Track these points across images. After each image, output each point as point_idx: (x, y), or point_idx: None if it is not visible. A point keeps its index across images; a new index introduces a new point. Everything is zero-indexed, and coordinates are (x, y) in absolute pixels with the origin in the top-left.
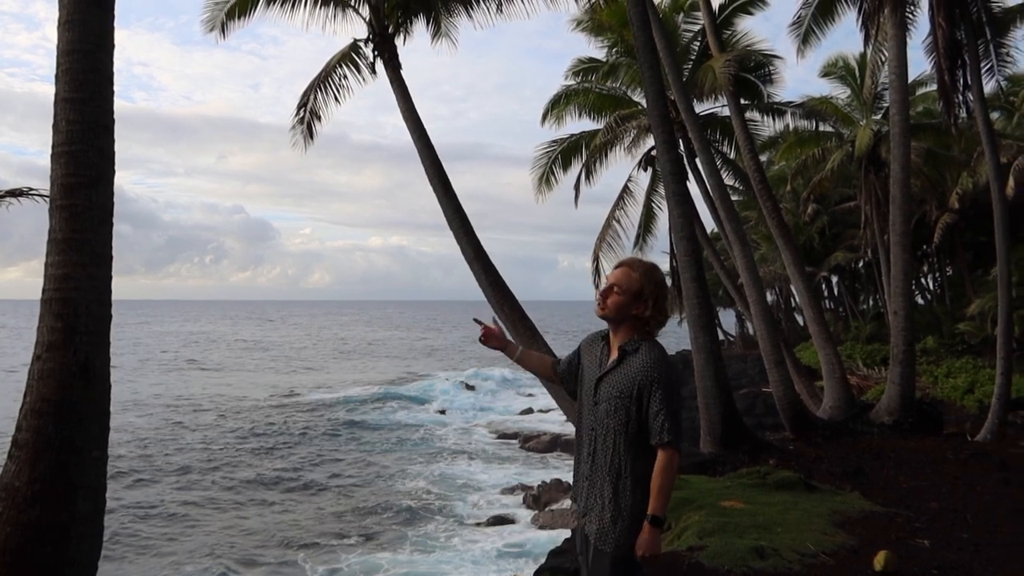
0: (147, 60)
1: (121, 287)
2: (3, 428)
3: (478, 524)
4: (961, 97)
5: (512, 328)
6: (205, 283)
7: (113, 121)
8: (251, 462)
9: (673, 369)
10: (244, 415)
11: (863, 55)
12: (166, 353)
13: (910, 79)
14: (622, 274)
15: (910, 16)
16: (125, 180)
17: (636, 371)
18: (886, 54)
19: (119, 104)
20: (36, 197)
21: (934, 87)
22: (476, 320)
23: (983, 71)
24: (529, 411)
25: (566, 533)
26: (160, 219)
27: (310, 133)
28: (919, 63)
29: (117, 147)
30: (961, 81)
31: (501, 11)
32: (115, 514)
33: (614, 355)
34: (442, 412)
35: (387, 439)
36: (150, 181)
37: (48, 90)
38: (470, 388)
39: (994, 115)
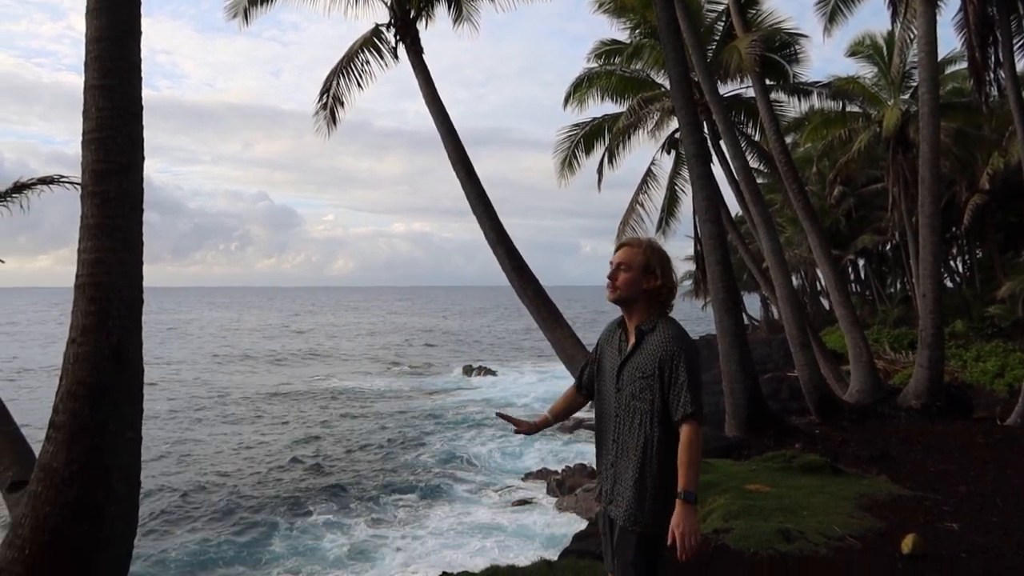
0: (170, 48)
1: (148, 274)
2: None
3: (502, 508)
4: (992, 75)
5: (535, 311)
6: (231, 270)
7: (142, 108)
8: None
9: (692, 343)
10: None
11: (891, 33)
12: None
13: (939, 57)
14: (625, 253)
15: None
16: (151, 168)
17: (656, 348)
18: (914, 32)
19: (144, 92)
20: (67, 184)
21: (964, 65)
22: (500, 416)
23: (1015, 48)
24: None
25: (590, 518)
26: (186, 207)
27: (333, 119)
28: (949, 40)
29: (144, 135)
30: (992, 58)
31: None
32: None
33: (632, 339)
34: (464, 394)
35: (420, 424)
36: (175, 169)
37: (74, 80)
38: (491, 373)
39: None
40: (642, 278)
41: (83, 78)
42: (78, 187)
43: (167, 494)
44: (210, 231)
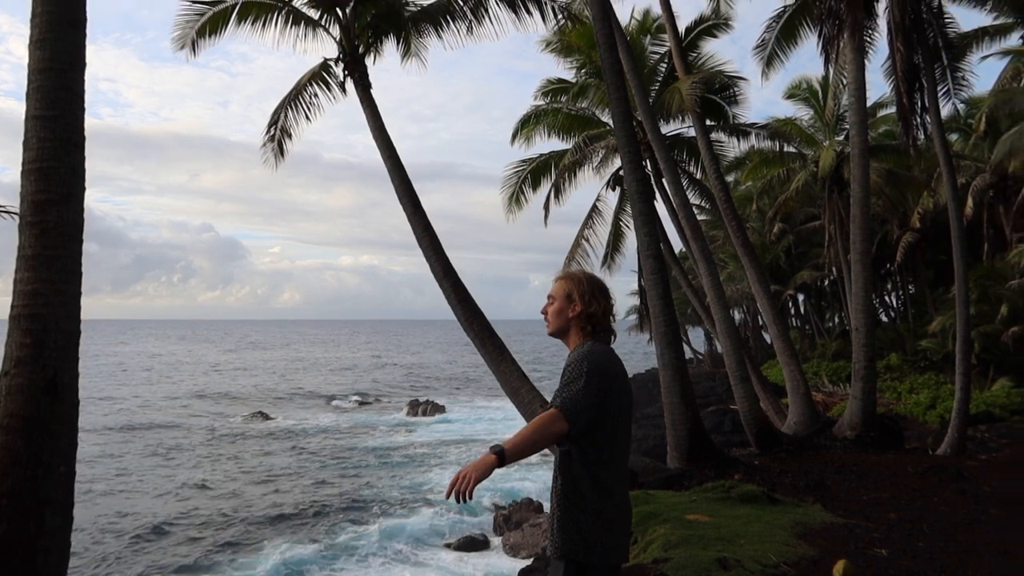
0: (113, 76)
1: (85, 306)
2: None
3: (446, 546)
4: (919, 119)
5: (480, 345)
6: (173, 302)
7: (84, 138)
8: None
9: (596, 357)
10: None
11: (825, 77)
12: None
13: (872, 101)
14: (553, 286)
15: (869, 40)
16: (91, 198)
17: (563, 370)
18: (847, 78)
19: (86, 121)
20: (3, 214)
21: (895, 109)
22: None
23: (940, 94)
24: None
25: (537, 553)
26: (127, 237)
27: (281, 151)
28: (880, 85)
29: (85, 165)
30: (919, 104)
31: (471, 32)
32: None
33: None
34: (411, 431)
35: (368, 460)
36: (117, 199)
37: (12, 106)
38: (440, 408)
39: (953, 136)
40: (566, 307)
41: (23, 106)
42: (15, 217)
43: (98, 533)
44: (152, 262)
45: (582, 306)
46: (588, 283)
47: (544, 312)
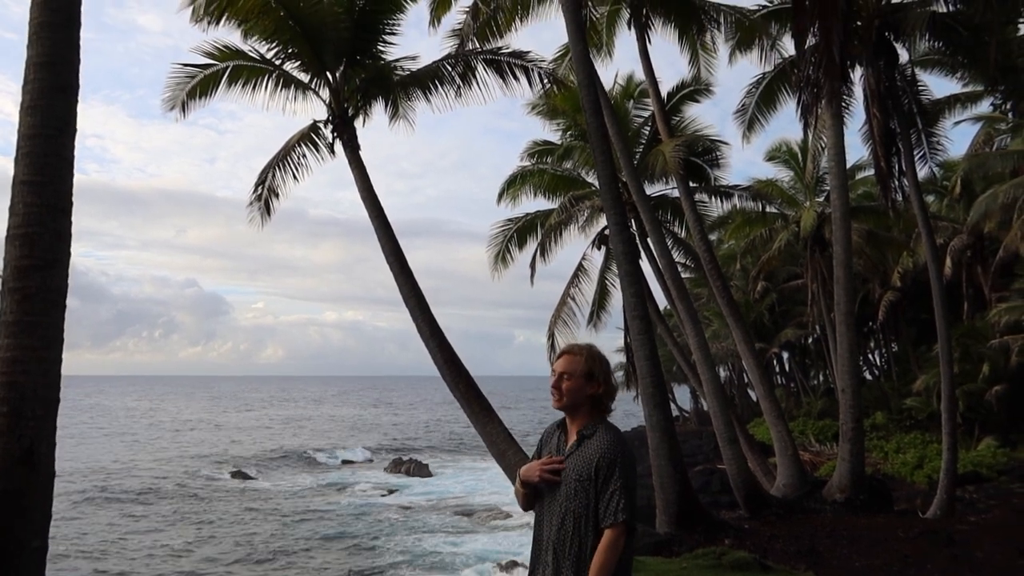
0: (101, 132)
1: (64, 362)
2: None
3: None
4: (897, 182)
5: (467, 406)
6: (153, 358)
7: (71, 204)
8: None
9: (629, 450)
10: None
11: (804, 141)
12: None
13: (850, 163)
14: (567, 361)
15: (846, 106)
16: (74, 253)
17: (594, 453)
18: (825, 141)
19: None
20: None
21: (873, 171)
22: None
23: (917, 158)
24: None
25: None
26: (109, 292)
27: (267, 210)
28: (858, 148)
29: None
30: (897, 167)
31: (459, 95)
32: None
33: (572, 439)
34: (395, 492)
35: (342, 526)
36: (100, 253)
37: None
38: (423, 467)
39: (929, 198)
40: (585, 385)
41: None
42: None
43: None
44: (133, 317)
45: (604, 387)
46: (605, 363)
47: (556, 386)
